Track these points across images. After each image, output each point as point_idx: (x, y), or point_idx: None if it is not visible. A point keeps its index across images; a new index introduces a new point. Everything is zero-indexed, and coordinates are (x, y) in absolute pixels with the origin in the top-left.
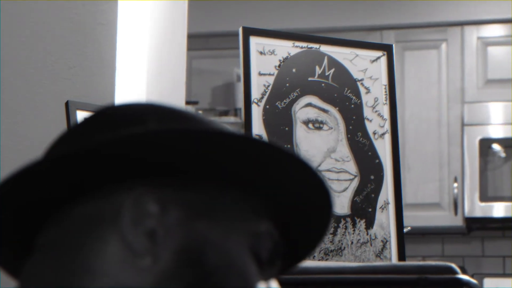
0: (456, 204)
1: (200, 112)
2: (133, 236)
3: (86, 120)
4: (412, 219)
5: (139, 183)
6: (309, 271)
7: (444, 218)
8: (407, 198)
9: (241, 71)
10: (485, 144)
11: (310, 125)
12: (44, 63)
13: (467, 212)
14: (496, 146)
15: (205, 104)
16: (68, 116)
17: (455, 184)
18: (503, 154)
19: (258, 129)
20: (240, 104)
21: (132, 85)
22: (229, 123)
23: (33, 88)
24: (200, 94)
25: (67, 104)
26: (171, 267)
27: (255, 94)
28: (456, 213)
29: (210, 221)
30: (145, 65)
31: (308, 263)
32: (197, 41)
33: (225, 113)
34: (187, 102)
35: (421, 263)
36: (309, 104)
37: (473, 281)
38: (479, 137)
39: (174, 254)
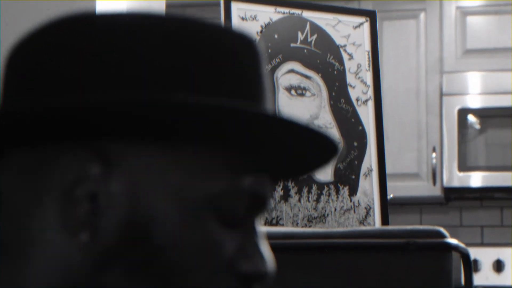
0: (435, 174)
1: None
2: (69, 205)
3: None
4: (391, 189)
5: (81, 144)
6: (296, 236)
7: (422, 188)
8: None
9: None
10: (464, 114)
11: (293, 92)
12: None
13: (446, 182)
14: (471, 118)
15: None
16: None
17: (434, 154)
18: (478, 126)
19: None
20: None
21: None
22: None
23: None
24: None
25: None
26: (113, 244)
27: None
28: (434, 183)
29: (161, 191)
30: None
31: (293, 229)
32: (175, 11)
33: None
34: None
35: (409, 227)
36: (291, 71)
37: (462, 245)
38: (457, 107)
39: (117, 228)
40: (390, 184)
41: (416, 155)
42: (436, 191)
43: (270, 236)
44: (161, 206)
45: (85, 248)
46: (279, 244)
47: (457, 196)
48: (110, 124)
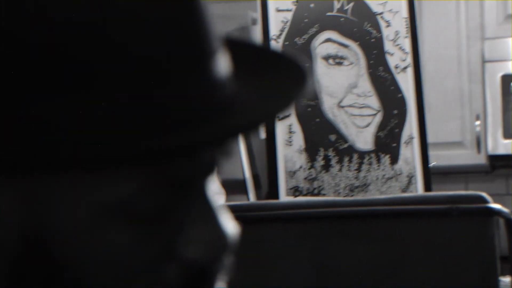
0: (479, 142)
1: None
2: None
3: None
4: (434, 158)
5: None
6: (337, 204)
7: (467, 157)
8: (428, 137)
9: (258, 8)
10: (507, 80)
11: (330, 61)
12: None
13: (490, 150)
14: None
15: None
16: None
17: (477, 122)
18: None
19: None
20: None
21: None
22: None
23: None
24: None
25: None
26: (12, 262)
27: (273, 30)
28: (479, 151)
29: (60, 200)
30: None
31: (335, 198)
32: None
33: None
34: None
35: (452, 192)
36: (328, 40)
37: (505, 210)
38: (500, 74)
39: (12, 245)
40: (433, 153)
41: (460, 123)
42: (481, 159)
43: (313, 206)
44: (60, 218)
45: None
46: (322, 212)
47: (502, 164)
48: None
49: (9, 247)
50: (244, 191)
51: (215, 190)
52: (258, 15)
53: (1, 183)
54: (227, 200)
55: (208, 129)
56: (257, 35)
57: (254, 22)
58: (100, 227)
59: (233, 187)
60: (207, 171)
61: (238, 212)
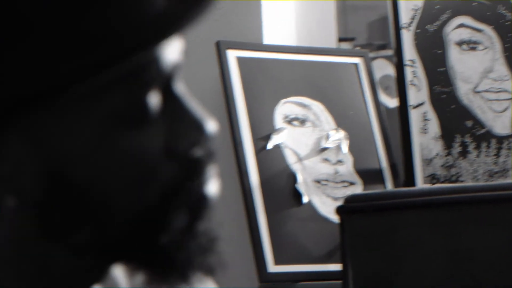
0: None
1: (357, 48)
2: None
3: None
4: None
5: None
6: (470, 190)
7: None
8: None
9: None
10: None
11: (464, 46)
12: None
13: None
14: None
15: (362, 40)
16: (220, 56)
17: None
18: None
19: (410, 54)
20: None
21: (280, 23)
22: (387, 56)
23: None
24: (357, 30)
25: (217, 44)
26: (41, 197)
27: (404, 19)
28: None
29: (59, 129)
30: (292, 3)
31: (467, 184)
32: None
33: (382, 47)
34: (343, 39)
35: None
36: (461, 25)
37: None
38: None
39: (37, 184)
40: None
41: None
42: None
43: (445, 192)
44: (69, 142)
45: (17, 208)
46: (455, 198)
47: None
48: None
49: (34, 191)
50: (382, 181)
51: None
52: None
53: (9, 130)
54: (365, 190)
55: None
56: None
57: None
58: (107, 139)
59: (371, 177)
60: (167, 73)
61: (371, 201)
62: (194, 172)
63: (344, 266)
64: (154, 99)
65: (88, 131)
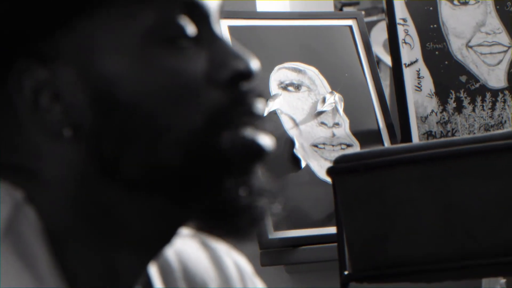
0: None
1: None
2: (40, 117)
3: None
4: None
5: (12, 60)
6: (455, 143)
7: None
8: None
9: None
10: None
11: (456, 1)
12: None
13: None
14: None
15: (366, 3)
16: None
17: None
18: None
19: (401, 13)
20: None
21: None
22: None
23: None
24: None
25: None
26: (95, 123)
27: None
28: None
29: (106, 49)
30: None
31: (452, 138)
32: None
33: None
34: (347, 4)
35: None
36: None
37: None
38: None
39: (88, 108)
40: None
41: None
42: None
43: (431, 147)
44: (111, 60)
45: (75, 140)
46: (442, 152)
47: None
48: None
49: (86, 117)
50: (379, 141)
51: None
52: None
53: (55, 62)
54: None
55: None
56: None
57: None
58: (147, 54)
59: (368, 138)
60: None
61: (360, 160)
62: (241, 105)
63: (338, 228)
64: (188, 24)
65: (127, 49)
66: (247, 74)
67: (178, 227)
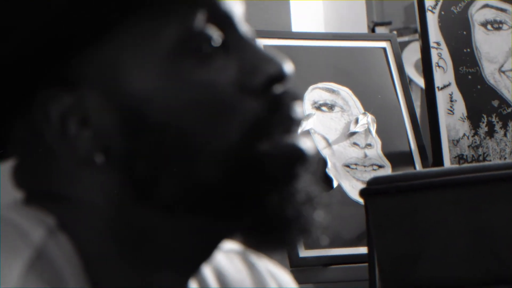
0: None
1: (394, 32)
2: (69, 145)
3: None
4: None
5: (39, 87)
6: (488, 168)
7: None
8: None
9: None
10: None
11: (489, 26)
12: None
13: None
14: None
15: (399, 23)
16: None
17: None
18: None
19: (435, 36)
20: None
21: (308, 8)
22: None
23: None
24: (393, 14)
25: None
26: (126, 146)
27: (429, 1)
28: None
29: (133, 68)
30: None
31: (485, 163)
32: None
33: None
34: (379, 24)
35: None
36: (485, 5)
37: None
38: None
39: (118, 130)
40: None
41: None
42: None
43: (465, 171)
44: (140, 83)
45: (107, 165)
46: (475, 177)
47: None
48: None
49: (116, 140)
50: (411, 163)
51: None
52: None
53: (80, 87)
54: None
55: None
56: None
57: None
58: (174, 69)
59: (399, 159)
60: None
61: (393, 183)
62: (277, 109)
63: (370, 248)
64: (213, 32)
65: (153, 66)
66: (280, 77)
67: (219, 243)
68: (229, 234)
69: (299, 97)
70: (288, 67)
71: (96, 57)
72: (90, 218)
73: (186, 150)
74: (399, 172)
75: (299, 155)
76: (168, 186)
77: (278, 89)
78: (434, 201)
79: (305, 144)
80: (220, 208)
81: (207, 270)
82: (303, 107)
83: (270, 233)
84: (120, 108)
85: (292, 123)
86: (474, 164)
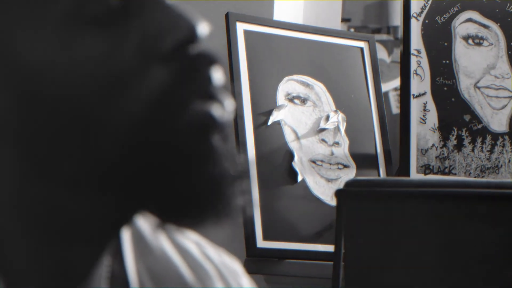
0: None
1: (352, 29)
2: None
3: None
4: None
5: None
6: (468, 185)
7: None
8: None
9: None
10: None
11: (470, 41)
12: None
13: None
14: None
15: (357, 21)
16: (228, 27)
17: None
18: None
19: (416, 44)
20: (393, 22)
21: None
22: (382, 40)
23: None
24: (353, 11)
25: (227, 15)
26: (22, 125)
27: (414, 8)
28: None
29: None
30: None
31: (466, 179)
32: None
33: (377, 31)
34: (345, 20)
35: None
36: (469, 19)
37: None
38: None
39: (11, 109)
40: None
41: None
42: None
43: (445, 185)
44: (33, 55)
45: (3, 146)
46: (453, 192)
47: None
48: None
49: (8, 119)
50: (375, 167)
51: None
52: None
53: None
54: (358, 174)
55: None
56: (396, 10)
57: None
58: (70, 39)
59: (365, 161)
60: None
61: (372, 187)
62: (189, 75)
63: (337, 249)
64: None
65: (47, 36)
66: (192, 38)
67: (133, 216)
68: (141, 210)
69: (217, 59)
70: (203, 26)
71: None
72: None
73: (83, 125)
74: (378, 177)
75: (213, 125)
76: (70, 163)
77: (191, 51)
78: (410, 210)
79: (220, 112)
80: (127, 186)
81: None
82: (221, 72)
83: (184, 210)
84: (13, 82)
85: (207, 88)
86: (455, 178)
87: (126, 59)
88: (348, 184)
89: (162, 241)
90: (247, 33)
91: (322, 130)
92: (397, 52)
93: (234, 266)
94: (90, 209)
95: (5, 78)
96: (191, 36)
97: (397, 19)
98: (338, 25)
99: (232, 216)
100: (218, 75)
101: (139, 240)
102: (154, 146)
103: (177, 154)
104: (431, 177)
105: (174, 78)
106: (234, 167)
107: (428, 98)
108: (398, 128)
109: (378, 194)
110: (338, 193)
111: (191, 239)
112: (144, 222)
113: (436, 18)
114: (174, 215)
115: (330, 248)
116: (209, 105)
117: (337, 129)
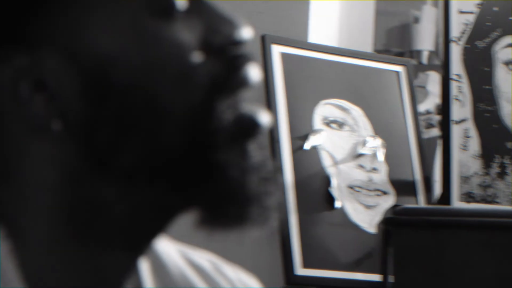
0: None
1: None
2: (23, 108)
3: None
4: None
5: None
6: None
7: None
8: None
9: (440, 9)
10: None
11: (511, 66)
12: None
13: None
14: None
15: (379, 45)
16: (264, 50)
17: None
18: None
19: (457, 68)
20: (416, 46)
21: (324, 22)
22: None
23: None
24: (375, 35)
25: (263, 37)
26: (87, 113)
27: (454, 32)
28: None
29: (96, 26)
30: (337, 4)
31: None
32: None
33: (400, 55)
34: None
35: None
36: (510, 45)
37: None
38: None
39: (79, 94)
40: None
41: None
42: None
43: (500, 215)
44: (105, 44)
45: (63, 135)
46: (506, 222)
47: None
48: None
49: (76, 104)
50: (414, 194)
51: None
52: (421, 13)
53: (38, 47)
54: (397, 201)
55: None
56: (418, 33)
57: (415, 20)
58: (141, 29)
59: (404, 188)
60: None
61: (422, 216)
62: (234, 70)
63: (384, 278)
64: None
65: (119, 26)
66: (239, 39)
67: (174, 217)
68: (186, 207)
69: (254, 59)
70: (247, 31)
71: (59, 17)
72: (36, 197)
73: (151, 114)
74: (430, 206)
75: (254, 127)
76: (129, 155)
77: (236, 51)
78: (463, 241)
79: (262, 116)
80: (179, 177)
81: (161, 249)
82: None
83: (228, 207)
84: (83, 70)
85: (247, 86)
86: (507, 208)
87: (190, 49)
88: (398, 212)
89: (178, 259)
90: (283, 55)
91: (360, 155)
92: (422, 77)
93: (250, 282)
94: (135, 209)
95: (76, 66)
96: (238, 37)
97: (420, 43)
98: (369, 48)
99: (268, 221)
100: (255, 73)
101: (156, 258)
102: (208, 139)
103: (226, 147)
104: (477, 205)
105: (222, 69)
106: (270, 174)
107: (470, 124)
108: (429, 153)
109: (429, 223)
110: (386, 221)
111: (206, 258)
112: (160, 242)
113: (476, 42)
114: (215, 213)
115: (369, 276)
116: (251, 107)
117: (374, 154)
